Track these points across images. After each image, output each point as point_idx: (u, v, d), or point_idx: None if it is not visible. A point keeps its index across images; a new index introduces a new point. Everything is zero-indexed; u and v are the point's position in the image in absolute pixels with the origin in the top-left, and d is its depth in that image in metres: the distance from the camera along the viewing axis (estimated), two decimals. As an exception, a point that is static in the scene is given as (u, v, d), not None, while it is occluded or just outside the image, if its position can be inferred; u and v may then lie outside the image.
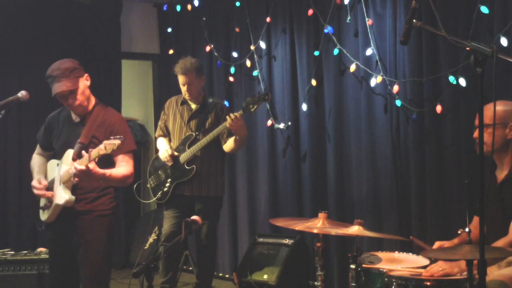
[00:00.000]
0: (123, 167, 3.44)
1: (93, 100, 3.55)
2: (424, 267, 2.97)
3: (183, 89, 4.56)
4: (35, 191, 3.49)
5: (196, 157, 4.50)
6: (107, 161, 3.31)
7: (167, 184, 4.56)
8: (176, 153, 4.53)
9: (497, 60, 2.13)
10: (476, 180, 2.19)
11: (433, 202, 4.25)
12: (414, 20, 2.38)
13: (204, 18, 5.99)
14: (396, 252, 3.41)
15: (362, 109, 4.69)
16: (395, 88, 4.38)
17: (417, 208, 4.33)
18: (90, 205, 3.46)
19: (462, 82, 4.02)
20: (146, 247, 5.82)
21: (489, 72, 2.90)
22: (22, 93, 3.44)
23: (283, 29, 5.28)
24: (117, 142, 3.10)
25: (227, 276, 5.77)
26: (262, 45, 5.42)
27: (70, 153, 3.41)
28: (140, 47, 6.84)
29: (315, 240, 3.31)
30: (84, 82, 3.46)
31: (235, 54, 5.71)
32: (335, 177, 4.88)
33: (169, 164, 4.55)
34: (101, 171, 3.27)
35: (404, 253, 3.36)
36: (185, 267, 5.62)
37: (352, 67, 4.67)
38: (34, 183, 3.52)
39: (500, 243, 2.85)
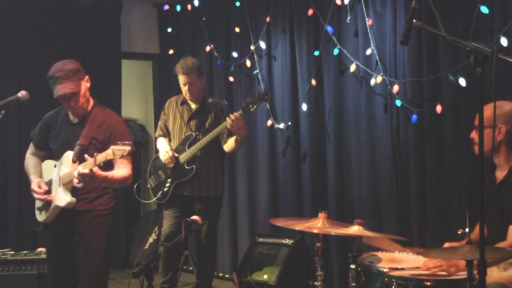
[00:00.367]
0: (123, 168, 3.44)
1: (91, 101, 3.55)
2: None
3: (184, 89, 4.56)
4: (36, 196, 3.48)
5: (196, 157, 4.50)
6: (106, 163, 3.31)
7: (167, 184, 4.56)
8: (176, 155, 4.53)
9: (497, 60, 2.13)
10: (476, 180, 2.19)
11: (433, 202, 4.25)
12: (414, 20, 2.38)
13: (204, 18, 5.99)
14: (396, 252, 3.41)
15: (362, 109, 4.69)
16: (395, 88, 4.38)
17: (417, 208, 4.33)
18: (89, 205, 3.46)
19: (462, 82, 4.02)
20: (146, 247, 5.82)
21: (489, 72, 2.90)
22: (22, 93, 3.44)
23: (283, 29, 5.28)
24: (127, 148, 3.11)
25: (227, 276, 5.77)
26: (262, 45, 5.42)
27: (69, 154, 3.40)
28: (140, 47, 6.84)
29: (315, 240, 3.32)
30: (85, 84, 3.47)
31: (235, 54, 5.71)
32: (335, 177, 4.88)
33: (171, 166, 4.55)
34: (104, 174, 3.28)
35: (404, 253, 3.36)
36: (185, 267, 5.62)
37: (352, 67, 4.67)
38: (34, 187, 3.50)
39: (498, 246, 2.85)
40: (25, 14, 5.89)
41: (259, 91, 5.32)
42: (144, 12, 6.79)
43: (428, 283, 2.78)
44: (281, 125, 5.29)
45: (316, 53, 4.96)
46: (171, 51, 6.36)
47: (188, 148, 4.50)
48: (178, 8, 6.30)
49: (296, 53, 5.18)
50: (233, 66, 5.71)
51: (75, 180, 3.25)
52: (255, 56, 5.49)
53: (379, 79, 4.48)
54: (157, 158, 4.70)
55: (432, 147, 4.28)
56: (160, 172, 4.66)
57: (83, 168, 3.19)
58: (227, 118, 4.28)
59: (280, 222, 3.47)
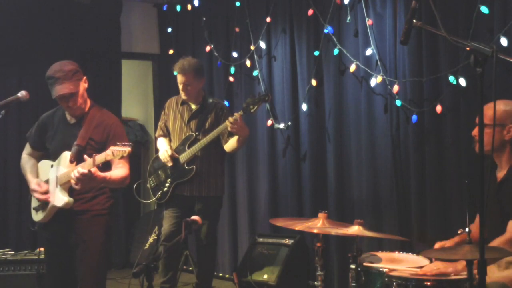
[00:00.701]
0: (121, 169, 3.45)
1: (89, 102, 3.56)
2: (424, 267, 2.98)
3: (180, 88, 4.56)
4: (36, 195, 3.48)
5: (196, 157, 4.50)
6: (104, 163, 3.32)
7: (167, 184, 4.56)
8: (176, 154, 4.53)
9: (497, 60, 2.13)
10: (476, 180, 2.19)
11: (433, 202, 4.25)
12: (414, 20, 2.38)
13: (204, 18, 5.99)
14: (396, 252, 3.41)
15: (362, 109, 4.69)
16: (395, 88, 4.38)
17: (417, 208, 4.33)
18: (87, 204, 3.46)
19: (462, 82, 4.02)
20: (146, 247, 5.83)
21: (489, 72, 2.90)
22: (22, 93, 3.44)
23: (283, 29, 5.28)
24: (127, 149, 3.11)
25: (227, 276, 5.77)
26: (262, 45, 5.42)
27: (67, 155, 3.40)
28: (140, 47, 6.84)
29: (315, 240, 3.32)
30: (83, 85, 3.47)
31: (235, 54, 5.71)
32: (335, 177, 4.88)
33: (169, 165, 4.55)
34: (102, 174, 3.28)
35: (404, 253, 3.36)
36: (185, 267, 5.62)
37: (352, 67, 4.67)
38: (34, 186, 3.50)
39: (497, 241, 2.85)
40: (25, 14, 5.89)
41: (260, 92, 5.32)
42: (144, 12, 6.79)
43: (428, 283, 2.78)
44: (281, 125, 5.29)
45: (316, 53, 4.96)
46: (171, 51, 6.36)
47: (188, 148, 4.50)
48: (178, 8, 6.30)
49: (296, 53, 5.18)
50: (233, 66, 5.71)
51: (73, 181, 3.25)
52: (255, 56, 5.49)
53: (379, 79, 4.48)
54: (157, 158, 4.70)
55: (432, 147, 4.28)
56: (160, 172, 4.66)
57: (82, 169, 3.19)
58: (227, 122, 4.27)
59: (280, 222, 3.47)
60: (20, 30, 5.88)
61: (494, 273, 2.85)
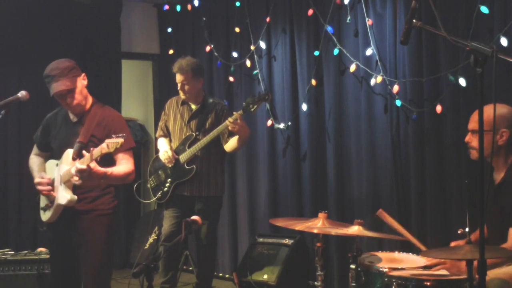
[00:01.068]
0: (124, 165, 3.44)
1: (90, 100, 3.55)
2: (424, 267, 2.98)
3: (178, 87, 4.57)
4: (40, 188, 3.47)
5: (196, 157, 4.50)
6: (107, 160, 3.31)
7: (167, 184, 4.56)
8: (176, 156, 4.53)
9: (497, 60, 2.13)
10: (476, 181, 2.19)
11: (433, 202, 4.25)
12: (414, 20, 2.38)
13: (204, 18, 5.99)
14: (396, 252, 3.41)
15: (362, 109, 4.69)
16: (395, 88, 4.38)
17: (417, 208, 4.33)
18: (91, 204, 3.46)
19: (462, 82, 4.02)
20: (146, 247, 5.82)
21: (489, 72, 2.90)
22: (22, 93, 3.44)
23: (283, 29, 5.28)
24: (120, 140, 3.11)
25: (227, 276, 5.77)
26: (262, 45, 5.42)
27: (69, 152, 3.40)
28: (140, 47, 6.84)
29: (315, 240, 3.32)
30: (82, 82, 3.46)
31: (235, 54, 5.71)
32: (335, 177, 4.88)
33: (169, 166, 4.55)
34: (102, 169, 3.27)
35: (404, 253, 3.36)
36: (185, 267, 5.62)
37: (352, 67, 4.67)
38: (38, 179, 3.49)
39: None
40: (25, 14, 5.89)
41: (260, 92, 5.32)
42: (144, 12, 6.79)
43: (428, 283, 2.78)
44: (281, 125, 5.29)
45: (316, 53, 4.96)
46: (171, 51, 6.36)
47: (188, 148, 4.51)
48: (178, 8, 6.30)
49: (296, 53, 5.18)
50: (233, 66, 5.71)
51: (74, 178, 3.24)
52: (255, 56, 5.49)
53: (379, 79, 4.48)
54: (157, 158, 4.70)
55: (432, 147, 4.28)
56: (160, 172, 4.66)
57: (80, 164, 3.19)
58: (227, 122, 4.27)
59: (280, 222, 3.47)
60: (20, 30, 5.88)
61: (494, 270, 2.85)
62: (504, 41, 3.79)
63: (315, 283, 3.35)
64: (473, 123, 3.05)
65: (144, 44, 6.84)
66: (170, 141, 4.70)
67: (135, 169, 3.50)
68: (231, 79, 5.76)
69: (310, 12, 4.95)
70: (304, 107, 5.06)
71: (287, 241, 4.70)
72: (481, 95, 2.16)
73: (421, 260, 3.16)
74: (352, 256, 3.01)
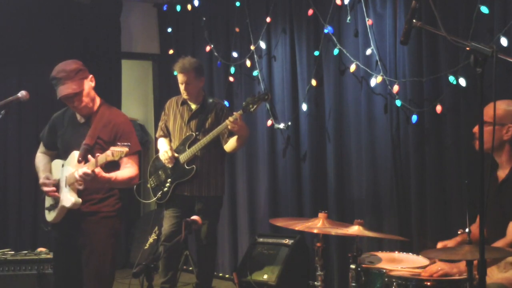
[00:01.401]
0: (128, 168, 3.44)
1: (98, 101, 3.53)
2: (424, 267, 2.97)
3: (181, 87, 4.57)
4: (45, 188, 3.46)
5: (196, 157, 4.50)
6: (112, 163, 3.30)
7: (167, 184, 4.56)
8: (176, 155, 4.53)
9: (497, 60, 2.13)
10: (476, 180, 2.19)
11: (433, 202, 4.25)
12: (414, 20, 2.38)
13: (204, 18, 5.99)
14: (396, 252, 3.41)
15: (362, 109, 4.68)
16: (395, 88, 4.38)
17: (417, 208, 4.33)
18: (96, 206, 3.45)
19: (462, 82, 4.02)
20: (146, 247, 5.82)
21: (489, 72, 2.89)
22: (22, 93, 3.43)
23: (283, 29, 5.28)
24: (125, 149, 3.10)
25: (227, 276, 5.77)
26: (262, 45, 5.42)
27: (75, 154, 3.39)
28: (140, 47, 6.84)
29: (315, 240, 3.32)
30: (89, 84, 3.45)
31: (235, 54, 5.71)
32: (335, 177, 4.88)
33: (169, 166, 4.55)
34: (107, 175, 3.27)
35: (404, 253, 3.36)
36: (185, 267, 5.62)
37: (352, 67, 4.66)
38: (43, 180, 3.49)
39: (498, 244, 2.85)
40: (25, 14, 5.88)
41: (259, 91, 5.32)
42: (144, 12, 6.79)
43: (428, 283, 2.78)
44: (281, 125, 5.28)
45: (316, 53, 4.96)
46: (171, 51, 6.36)
47: (188, 148, 4.51)
48: (178, 8, 6.30)
49: (296, 53, 5.18)
50: (233, 66, 5.71)
51: (78, 183, 3.24)
52: (255, 56, 5.49)
53: (379, 79, 4.48)
54: (157, 158, 4.70)
55: (432, 147, 4.28)
56: (160, 172, 4.66)
57: (86, 169, 3.19)
58: (227, 121, 4.28)
59: (280, 222, 3.47)
60: (20, 30, 5.88)
61: (494, 274, 2.85)
62: (504, 41, 3.79)
63: (315, 283, 3.35)
64: (485, 116, 3.05)
65: (144, 44, 6.84)
66: (170, 141, 4.70)
67: (139, 173, 3.51)
68: (231, 79, 5.76)
69: (310, 12, 4.95)
70: (304, 107, 5.06)
71: (287, 241, 4.70)
72: (481, 95, 2.16)
73: (421, 260, 3.16)
74: (352, 256, 3.01)
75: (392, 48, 4.45)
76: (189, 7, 6.12)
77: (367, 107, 4.64)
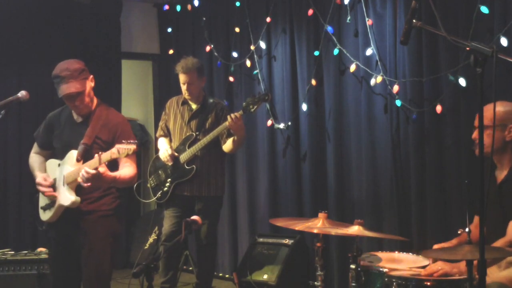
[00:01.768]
0: (128, 168, 3.45)
1: (95, 101, 3.55)
2: (424, 267, 2.97)
3: (183, 88, 4.57)
4: (41, 189, 3.47)
5: (196, 157, 4.50)
6: (111, 163, 3.31)
7: (167, 184, 4.56)
8: (176, 154, 4.54)
9: (497, 60, 2.12)
10: (476, 180, 2.19)
11: (433, 202, 4.25)
12: (414, 20, 2.38)
13: (204, 18, 5.99)
14: (396, 252, 3.41)
15: (362, 109, 4.69)
16: (395, 88, 4.38)
17: (417, 208, 4.33)
18: (93, 205, 3.46)
19: (462, 82, 4.02)
20: (146, 247, 5.82)
21: (489, 72, 2.90)
22: (22, 93, 3.44)
23: (283, 29, 5.28)
24: (132, 147, 3.11)
25: (227, 276, 5.77)
26: (262, 45, 5.42)
27: (73, 154, 3.39)
28: (140, 47, 6.84)
29: (315, 240, 3.31)
30: (90, 84, 3.48)
31: (235, 54, 5.71)
32: (335, 177, 4.88)
33: (169, 164, 4.55)
34: (112, 174, 3.29)
35: (404, 253, 3.36)
36: (185, 267, 5.63)
37: (352, 67, 4.66)
38: (40, 180, 3.49)
39: (498, 243, 2.85)
40: (25, 14, 5.88)
41: (260, 92, 5.32)
42: (144, 12, 6.79)
43: (428, 283, 2.78)
44: (281, 125, 5.28)
45: (316, 53, 4.96)
46: (171, 51, 6.37)
47: (188, 148, 4.51)
48: (178, 8, 6.30)
49: (296, 53, 5.18)
50: (233, 66, 5.71)
51: (80, 180, 3.23)
52: (255, 56, 5.49)
53: (379, 79, 4.48)
54: (158, 158, 4.70)
55: (432, 147, 4.28)
56: (160, 172, 4.66)
57: (89, 168, 3.19)
58: (228, 117, 4.28)
59: (280, 222, 3.47)
60: (20, 30, 5.88)
61: (493, 272, 2.85)
62: (504, 41, 3.79)
63: (315, 283, 3.35)
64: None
65: (144, 44, 6.84)
66: (171, 141, 4.70)
67: (137, 172, 3.52)
68: (231, 79, 5.76)
69: (310, 12, 4.95)
70: (304, 107, 5.06)
71: (287, 241, 4.70)
72: (481, 95, 2.16)
73: (421, 260, 3.16)
74: (352, 256, 3.01)
75: (392, 48, 4.45)
76: (189, 7, 6.12)
77: (367, 107, 4.64)
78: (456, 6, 4.09)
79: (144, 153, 7.20)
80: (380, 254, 3.32)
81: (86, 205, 3.43)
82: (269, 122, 5.36)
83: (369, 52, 4.55)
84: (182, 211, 4.53)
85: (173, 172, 4.56)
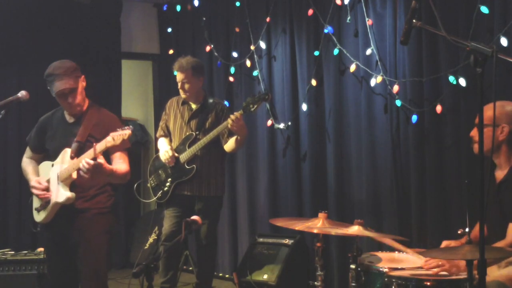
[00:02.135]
0: (122, 164, 3.48)
1: (87, 101, 3.60)
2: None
3: (179, 86, 4.57)
4: (36, 191, 3.50)
5: (196, 157, 4.50)
6: (105, 159, 3.33)
7: (167, 184, 4.56)
8: (176, 155, 4.54)
9: (497, 60, 2.12)
10: (476, 180, 2.19)
11: (433, 202, 4.25)
12: (414, 20, 2.38)
13: (204, 18, 5.99)
14: (396, 252, 3.41)
15: (362, 109, 4.69)
16: (395, 88, 4.38)
17: (417, 208, 4.33)
18: (89, 203, 3.48)
19: (462, 82, 4.02)
20: (146, 247, 5.83)
21: (489, 72, 2.90)
22: (22, 93, 3.46)
23: (283, 29, 5.28)
24: (128, 132, 3.17)
25: (227, 276, 5.77)
26: (262, 45, 5.42)
27: (67, 151, 3.43)
28: (140, 47, 6.84)
29: (315, 240, 3.31)
30: (82, 83, 3.52)
31: (235, 54, 5.71)
32: (335, 177, 4.88)
33: (170, 165, 4.55)
34: (109, 167, 3.32)
35: (404, 253, 3.36)
36: (185, 267, 5.63)
37: (352, 67, 4.66)
38: (34, 183, 3.52)
39: (498, 245, 2.85)
40: (25, 14, 5.89)
41: (260, 91, 5.32)
42: (144, 12, 6.79)
43: (428, 283, 2.78)
44: (281, 125, 5.29)
45: (316, 53, 4.96)
46: (171, 51, 6.37)
47: (189, 147, 4.51)
48: (178, 8, 6.30)
49: (296, 53, 5.18)
50: (233, 66, 5.71)
51: (82, 170, 3.24)
52: (255, 56, 5.49)
53: (379, 79, 4.48)
54: (158, 157, 4.70)
55: (432, 147, 4.28)
56: (160, 172, 4.66)
57: (89, 160, 3.21)
58: (228, 119, 4.28)
59: (280, 222, 3.47)
60: (20, 30, 5.88)
61: (493, 272, 2.85)
62: (504, 41, 3.79)
63: (315, 283, 3.34)
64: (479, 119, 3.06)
65: (144, 44, 6.84)
66: (171, 140, 4.70)
67: (130, 170, 3.55)
68: (231, 79, 5.76)
69: (310, 12, 4.95)
70: (304, 107, 5.06)
71: (287, 241, 4.70)
72: (481, 95, 2.16)
73: (421, 260, 3.15)
74: (352, 256, 3.01)
75: (392, 48, 4.45)
76: (189, 7, 6.12)
77: (367, 107, 4.64)
78: (456, 6, 4.09)
79: (144, 153, 7.21)
80: (380, 254, 3.32)
81: (82, 203, 3.45)
82: (269, 122, 5.36)
83: (369, 52, 4.55)
84: (182, 211, 4.53)
85: (173, 172, 4.56)
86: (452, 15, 4.10)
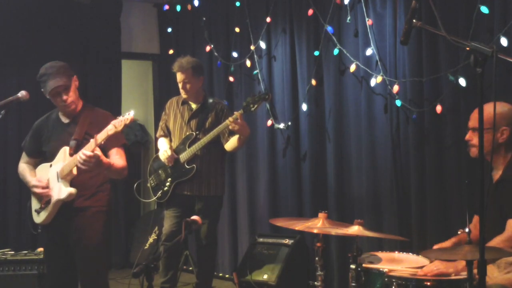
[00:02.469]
0: (119, 159, 3.51)
1: (81, 102, 3.63)
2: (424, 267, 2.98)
3: (179, 86, 4.58)
4: (37, 190, 3.50)
5: (196, 157, 4.50)
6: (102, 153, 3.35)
7: (167, 184, 4.56)
8: (175, 155, 4.53)
9: (497, 60, 2.12)
10: (475, 181, 2.20)
11: (433, 202, 4.25)
12: (414, 20, 2.38)
13: (204, 18, 5.99)
14: (396, 252, 3.41)
15: (362, 109, 4.69)
16: (395, 88, 4.38)
17: (417, 208, 4.33)
18: (88, 201, 3.50)
19: (462, 82, 4.02)
20: (146, 247, 5.83)
21: (489, 72, 2.90)
22: (22, 93, 3.48)
23: (283, 29, 5.28)
24: (130, 117, 3.18)
25: (227, 276, 5.77)
26: (262, 45, 5.42)
27: (65, 150, 3.45)
28: (140, 47, 6.84)
29: (315, 240, 3.31)
30: (75, 82, 3.56)
31: (235, 54, 5.71)
32: (335, 177, 4.88)
33: (169, 165, 4.55)
34: (107, 159, 3.35)
35: (404, 253, 3.36)
36: (185, 267, 5.63)
37: (352, 67, 4.66)
38: (35, 182, 3.52)
39: (497, 240, 2.85)
40: (25, 14, 5.89)
41: (260, 91, 5.32)
42: (144, 12, 6.79)
43: (428, 283, 2.78)
44: (281, 125, 5.29)
45: (316, 53, 4.96)
46: (171, 51, 6.37)
47: (189, 147, 4.51)
48: (178, 8, 6.30)
49: (296, 53, 5.18)
50: (233, 66, 5.71)
51: (79, 162, 3.24)
52: (255, 56, 5.49)
53: (379, 79, 4.48)
54: (157, 157, 4.70)
55: (432, 147, 4.28)
56: (160, 172, 4.66)
57: (87, 151, 3.22)
58: (227, 121, 4.28)
59: (280, 222, 3.47)
60: (20, 30, 5.88)
61: (494, 273, 2.85)
62: (504, 41, 3.78)
63: (315, 283, 3.35)
64: (473, 121, 3.06)
65: (144, 44, 6.84)
66: (171, 140, 4.70)
67: (127, 166, 3.57)
68: (231, 79, 5.76)
69: (310, 12, 4.95)
70: (304, 107, 5.06)
71: (287, 241, 4.71)
72: (481, 95, 2.16)
73: (421, 260, 3.16)
74: (352, 256, 3.01)
75: (392, 48, 4.45)
76: (189, 7, 6.12)
77: (367, 107, 4.64)
78: (456, 6, 4.09)
79: (144, 153, 7.20)
80: (380, 254, 3.32)
81: (82, 202, 3.47)
82: (269, 122, 5.36)
83: (369, 52, 4.55)
84: (182, 211, 4.53)
85: (173, 171, 4.56)
86: (452, 15, 4.10)
